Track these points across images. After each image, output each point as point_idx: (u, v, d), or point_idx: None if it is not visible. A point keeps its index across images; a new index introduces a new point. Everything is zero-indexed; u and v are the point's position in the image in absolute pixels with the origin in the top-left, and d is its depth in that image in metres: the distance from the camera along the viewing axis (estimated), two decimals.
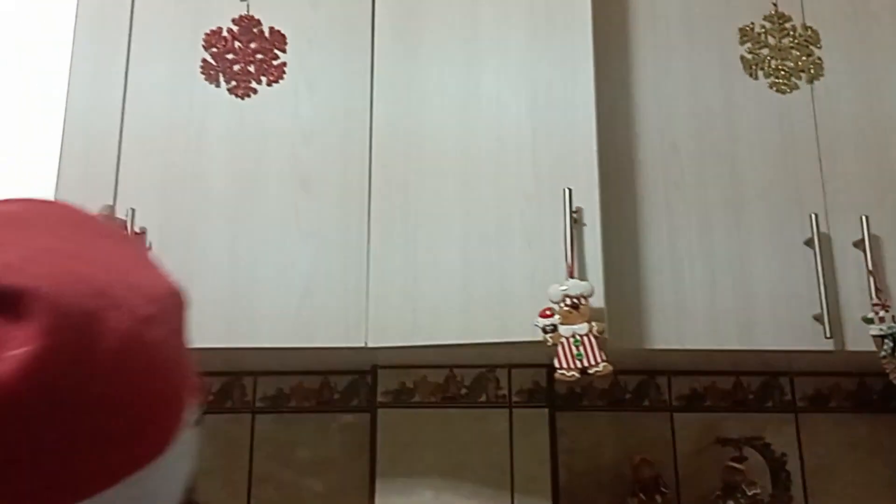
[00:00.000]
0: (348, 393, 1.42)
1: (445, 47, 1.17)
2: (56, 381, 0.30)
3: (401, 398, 1.33)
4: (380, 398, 1.33)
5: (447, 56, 1.16)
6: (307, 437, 1.40)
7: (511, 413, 1.31)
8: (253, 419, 1.41)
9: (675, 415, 1.41)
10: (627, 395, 1.41)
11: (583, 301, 0.92)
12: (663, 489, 1.31)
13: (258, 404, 1.42)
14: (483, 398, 1.33)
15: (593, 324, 0.92)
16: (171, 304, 0.38)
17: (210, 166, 1.14)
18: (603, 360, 0.91)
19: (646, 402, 1.41)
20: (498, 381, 1.33)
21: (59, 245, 0.36)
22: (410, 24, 1.19)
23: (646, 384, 1.41)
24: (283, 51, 1.19)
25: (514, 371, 1.33)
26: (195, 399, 0.39)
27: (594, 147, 1.07)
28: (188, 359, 0.38)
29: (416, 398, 1.33)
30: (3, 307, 0.31)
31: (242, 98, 1.17)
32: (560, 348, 0.91)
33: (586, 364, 0.90)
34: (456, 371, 1.34)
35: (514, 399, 1.32)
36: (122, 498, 0.34)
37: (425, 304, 1.06)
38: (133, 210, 1.04)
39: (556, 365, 0.91)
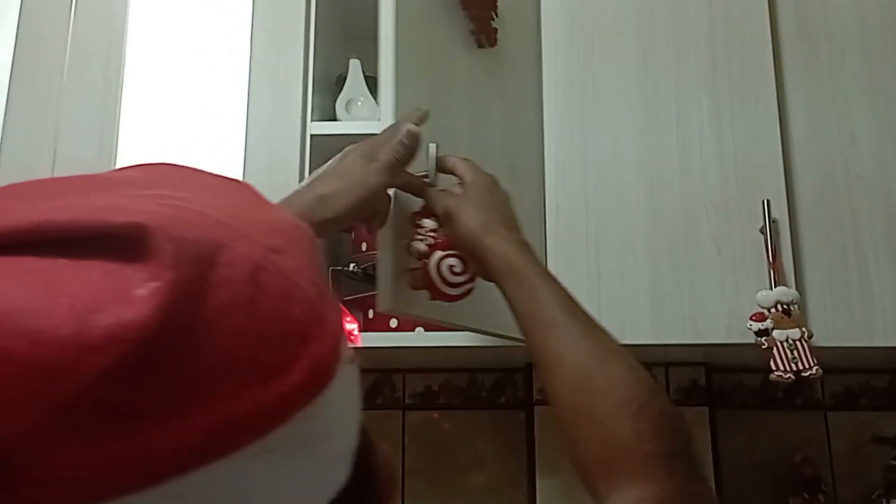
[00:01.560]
0: (496, 391, 1.45)
1: (619, 56, 1.16)
2: (192, 315, 0.28)
3: None
4: (536, 395, 1.35)
5: (621, 65, 1.16)
6: (456, 434, 1.43)
7: None
8: (403, 415, 1.45)
9: (829, 413, 1.40)
10: (779, 394, 1.40)
11: (793, 307, 0.92)
12: (824, 488, 1.31)
13: (408, 401, 1.45)
14: None
15: (803, 329, 0.93)
16: (298, 237, 0.35)
17: (450, 116, 0.94)
18: (815, 364, 0.92)
19: (798, 401, 1.41)
20: (655, 377, 1.34)
21: (171, 192, 0.33)
22: (580, 26, 1.19)
23: (798, 383, 1.40)
24: (497, 15, 0.99)
25: (671, 369, 1.34)
26: (345, 333, 0.36)
27: (780, 160, 1.07)
28: (328, 291, 0.35)
29: None
30: (120, 247, 0.28)
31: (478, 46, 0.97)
32: (775, 351, 0.91)
33: (800, 367, 0.91)
34: None
35: (673, 397, 1.33)
36: (293, 440, 0.31)
37: (611, 306, 1.07)
38: (437, 145, 0.81)
39: (773, 367, 0.92)
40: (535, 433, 1.33)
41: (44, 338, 0.26)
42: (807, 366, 0.91)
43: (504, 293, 0.69)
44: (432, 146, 0.79)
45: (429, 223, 0.77)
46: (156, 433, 0.27)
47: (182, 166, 0.39)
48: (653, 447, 0.57)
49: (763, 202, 1.01)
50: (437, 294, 0.76)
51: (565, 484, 1.29)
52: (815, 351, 1.03)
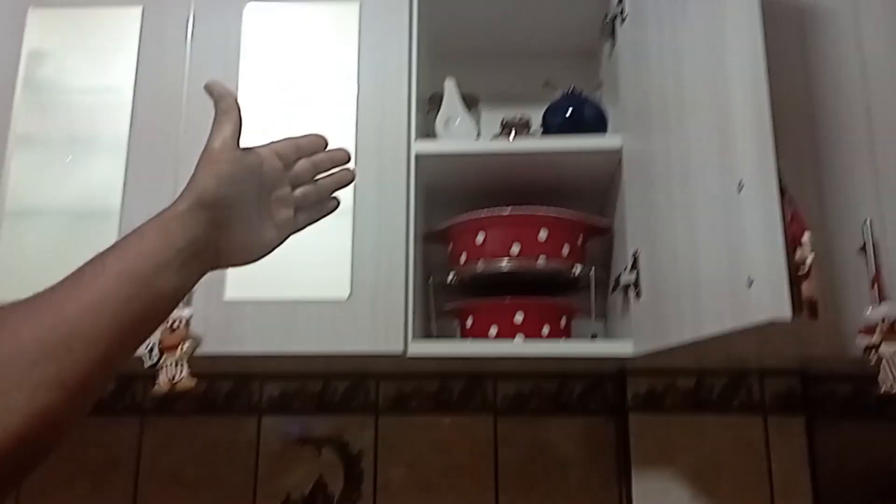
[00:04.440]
0: (586, 397, 1.48)
1: None
2: None
3: (651, 402, 1.37)
4: (630, 402, 1.38)
5: None
6: (548, 438, 1.47)
7: (766, 419, 1.34)
8: (495, 419, 1.50)
9: None
10: (875, 403, 1.40)
11: None
12: None
13: (499, 405, 1.50)
14: (736, 403, 1.36)
15: None
16: None
17: None
18: None
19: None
20: (750, 386, 1.36)
21: None
22: None
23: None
24: None
25: (766, 378, 1.35)
26: None
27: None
28: None
29: (667, 402, 1.37)
30: None
31: None
32: (884, 364, 0.93)
33: None
34: (706, 377, 1.38)
35: (768, 405, 1.34)
36: None
37: None
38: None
39: (882, 379, 0.94)
40: (631, 439, 1.36)
41: None
42: None
43: None
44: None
45: (807, 236, 0.74)
46: None
47: None
48: None
49: (866, 220, 1.02)
50: (811, 310, 0.71)
51: (659, 488, 1.32)
52: None
